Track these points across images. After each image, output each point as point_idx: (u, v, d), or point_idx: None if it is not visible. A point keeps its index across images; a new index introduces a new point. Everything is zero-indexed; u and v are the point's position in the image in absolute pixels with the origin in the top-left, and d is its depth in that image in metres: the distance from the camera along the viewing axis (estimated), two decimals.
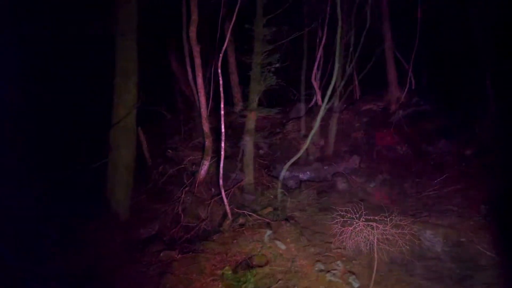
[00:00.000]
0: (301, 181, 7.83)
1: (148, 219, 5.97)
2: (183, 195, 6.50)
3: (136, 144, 7.76)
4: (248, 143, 6.91)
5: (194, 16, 5.86)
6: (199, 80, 6.45)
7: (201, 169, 6.75)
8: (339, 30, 5.55)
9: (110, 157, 5.80)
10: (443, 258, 3.98)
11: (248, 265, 4.56)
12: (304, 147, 6.39)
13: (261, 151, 9.42)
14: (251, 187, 6.83)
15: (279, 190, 6.39)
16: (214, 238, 5.21)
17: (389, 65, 7.89)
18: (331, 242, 4.89)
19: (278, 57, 6.36)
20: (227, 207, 5.32)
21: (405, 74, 8.11)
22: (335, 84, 5.89)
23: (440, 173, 6.65)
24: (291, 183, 8.05)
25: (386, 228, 3.78)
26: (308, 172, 8.02)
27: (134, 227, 5.61)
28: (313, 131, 6.13)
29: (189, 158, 7.46)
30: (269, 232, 5.17)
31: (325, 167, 7.97)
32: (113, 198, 5.71)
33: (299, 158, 8.76)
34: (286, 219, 5.77)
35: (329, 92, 6.03)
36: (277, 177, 8.05)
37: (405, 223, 3.88)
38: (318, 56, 8.85)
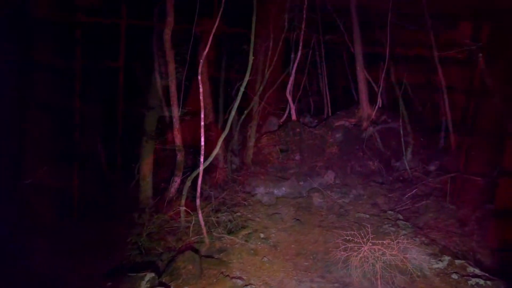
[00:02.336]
0: (276, 198, 7.58)
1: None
2: (148, 217, 5.72)
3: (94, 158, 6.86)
4: (146, 149, 5.87)
5: (170, 18, 5.44)
6: (172, 88, 5.94)
7: (171, 187, 6.10)
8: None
9: None
10: (430, 277, 3.96)
11: None
12: (215, 152, 5.24)
13: (233, 166, 9.04)
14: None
15: (182, 209, 5.05)
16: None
17: (360, 84, 8.26)
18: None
19: (185, 49, 5.54)
20: (204, 232, 4.76)
21: (374, 92, 8.54)
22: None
23: (410, 188, 6.93)
24: (266, 199, 7.76)
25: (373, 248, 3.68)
26: (283, 188, 7.81)
27: None
28: (222, 136, 5.39)
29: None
30: (149, 275, 3.70)
31: (300, 183, 7.84)
32: None
33: (272, 173, 8.62)
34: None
35: (236, 104, 5.46)
36: (251, 193, 7.72)
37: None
38: (293, 72, 8.95)
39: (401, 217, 6.13)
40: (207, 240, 4.77)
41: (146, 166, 5.90)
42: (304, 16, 8.00)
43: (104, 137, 6.90)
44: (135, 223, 5.30)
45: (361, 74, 8.21)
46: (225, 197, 7.29)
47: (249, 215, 6.03)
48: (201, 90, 4.85)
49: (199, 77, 4.89)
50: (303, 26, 8.11)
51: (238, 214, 5.99)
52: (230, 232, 5.13)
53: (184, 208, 5.03)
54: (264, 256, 4.64)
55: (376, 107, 8.10)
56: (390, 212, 6.30)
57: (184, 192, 5.16)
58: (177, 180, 6.32)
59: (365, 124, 8.07)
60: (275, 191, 7.83)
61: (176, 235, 4.94)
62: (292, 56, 9.05)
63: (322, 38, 9.75)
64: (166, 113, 6.37)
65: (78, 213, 5.68)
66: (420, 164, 7.83)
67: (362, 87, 8.19)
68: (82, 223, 5.42)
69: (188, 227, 4.82)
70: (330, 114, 9.77)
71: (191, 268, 3.96)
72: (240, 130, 8.62)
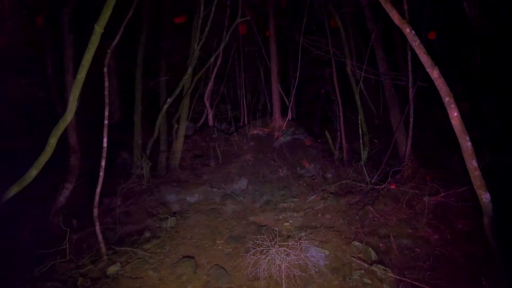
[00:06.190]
0: (188, 204, 7.28)
1: None
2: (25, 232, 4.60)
3: None
4: None
5: None
6: (69, 77, 5.02)
7: (61, 194, 5.08)
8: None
9: None
10: (325, 272, 4.48)
11: None
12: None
13: (141, 171, 8.27)
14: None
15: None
16: None
17: (274, 98, 8.90)
18: None
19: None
20: (102, 245, 4.09)
21: (286, 106, 9.34)
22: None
23: (311, 193, 7.77)
24: (177, 207, 7.38)
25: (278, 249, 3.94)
26: (196, 195, 7.58)
27: None
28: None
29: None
30: None
31: (214, 189, 7.77)
32: None
33: (185, 181, 8.26)
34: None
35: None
36: (162, 202, 7.19)
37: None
38: (212, 77, 8.93)
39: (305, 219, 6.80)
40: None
41: None
42: (226, 23, 8.14)
43: None
44: None
45: (275, 88, 8.86)
46: (128, 211, 6.48)
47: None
48: (106, 84, 4.24)
49: (105, 70, 4.28)
50: (224, 34, 8.22)
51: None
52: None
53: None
54: None
55: (287, 119, 8.85)
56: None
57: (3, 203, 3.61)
58: (69, 187, 5.32)
59: (276, 134, 8.70)
60: (188, 198, 7.53)
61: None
62: (212, 61, 9.04)
63: (242, 48, 10.12)
64: None
65: None
66: (320, 172, 8.91)
67: (275, 100, 8.84)
68: None
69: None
70: (246, 122, 10.13)
71: None
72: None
